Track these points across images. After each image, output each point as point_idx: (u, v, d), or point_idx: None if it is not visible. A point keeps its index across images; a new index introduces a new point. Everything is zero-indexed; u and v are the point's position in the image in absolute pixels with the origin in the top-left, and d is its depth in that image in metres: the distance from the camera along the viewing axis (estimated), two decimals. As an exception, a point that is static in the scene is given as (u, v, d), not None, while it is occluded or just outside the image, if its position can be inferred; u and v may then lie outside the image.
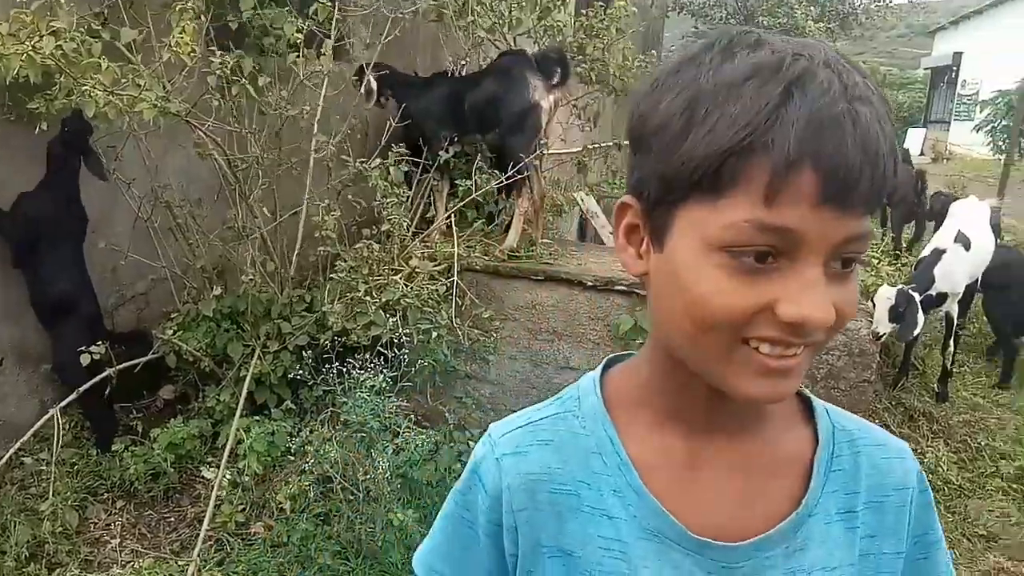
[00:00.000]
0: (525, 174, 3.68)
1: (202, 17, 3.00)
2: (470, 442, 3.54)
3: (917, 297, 4.08)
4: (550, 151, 5.15)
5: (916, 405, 4.34)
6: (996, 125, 17.23)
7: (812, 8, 10.13)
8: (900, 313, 3.94)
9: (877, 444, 0.72)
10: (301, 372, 3.19)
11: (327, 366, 2.96)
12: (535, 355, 3.79)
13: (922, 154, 18.07)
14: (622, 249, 0.66)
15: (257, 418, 3.30)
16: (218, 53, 3.08)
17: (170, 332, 3.30)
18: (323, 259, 3.47)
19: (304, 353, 3.26)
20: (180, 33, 2.65)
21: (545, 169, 5.40)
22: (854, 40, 12.69)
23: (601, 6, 5.10)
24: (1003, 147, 12.18)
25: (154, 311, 3.67)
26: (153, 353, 3.40)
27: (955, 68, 22.19)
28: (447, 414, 3.17)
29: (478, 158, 3.89)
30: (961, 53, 21.84)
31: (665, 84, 0.60)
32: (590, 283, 3.63)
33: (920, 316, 4.06)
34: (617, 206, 0.65)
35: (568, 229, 6.31)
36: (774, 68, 0.55)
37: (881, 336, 3.72)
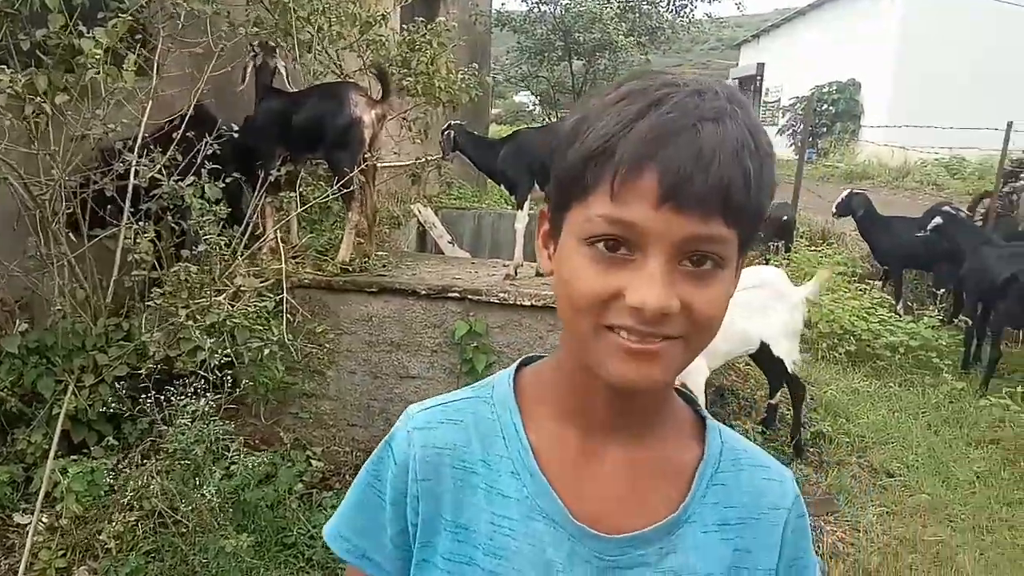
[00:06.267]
0: (353, 188, 3.69)
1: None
2: (311, 460, 3.50)
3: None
4: (383, 164, 5.18)
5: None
6: (796, 128, 19.18)
7: (623, 24, 10.80)
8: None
9: (760, 465, 0.79)
10: (120, 406, 3.02)
11: (146, 396, 2.83)
12: (375, 367, 3.81)
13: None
14: (539, 251, 0.76)
15: (75, 458, 3.09)
16: (7, 71, 2.87)
17: (-32, 373, 3.02)
18: (139, 285, 3.31)
19: (122, 385, 3.09)
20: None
21: (379, 182, 5.43)
22: (671, 53, 13.73)
23: (423, 22, 5.23)
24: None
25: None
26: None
27: (759, 77, 24.46)
28: (281, 433, 3.11)
29: (301, 172, 3.84)
30: (763, 64, 24.11)
31: (574, 112, 0.70)
32: (424, 292, 3.70)
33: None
34: (539, 214, 0.76)
35: (407, 240, 6.34)
36: (642, 92, 0.64)
37: None
